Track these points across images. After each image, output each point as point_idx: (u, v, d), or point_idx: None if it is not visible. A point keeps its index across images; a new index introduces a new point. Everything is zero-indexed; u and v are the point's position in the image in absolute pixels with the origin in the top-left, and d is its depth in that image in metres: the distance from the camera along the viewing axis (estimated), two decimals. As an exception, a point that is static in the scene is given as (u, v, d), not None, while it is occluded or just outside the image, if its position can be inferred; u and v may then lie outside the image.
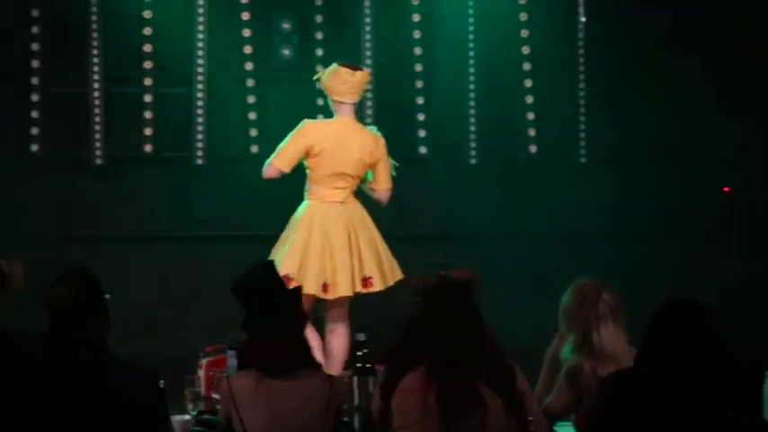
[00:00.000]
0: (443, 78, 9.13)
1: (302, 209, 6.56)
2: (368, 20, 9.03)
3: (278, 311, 4.56)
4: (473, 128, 9.12)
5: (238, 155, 8.63)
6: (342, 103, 6.59)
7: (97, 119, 8.77)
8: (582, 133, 9.21)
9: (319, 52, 8.86)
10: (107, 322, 4.09)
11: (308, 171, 6.56)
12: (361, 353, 4.99)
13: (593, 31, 9.23)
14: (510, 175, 9.09)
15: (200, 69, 8.83)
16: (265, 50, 8.96)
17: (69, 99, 8.89)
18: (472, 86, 9.12)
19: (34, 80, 8.73)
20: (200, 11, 8.84)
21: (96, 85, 8.76)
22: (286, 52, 8.97)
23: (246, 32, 8.88)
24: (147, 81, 8.79)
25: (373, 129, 6.75)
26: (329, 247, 6.44)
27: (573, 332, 4.93)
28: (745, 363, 3.92)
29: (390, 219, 8.81)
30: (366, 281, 6.50)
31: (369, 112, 8.88)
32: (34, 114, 8.72)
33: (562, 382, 4.87)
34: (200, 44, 8.84)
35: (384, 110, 8.95)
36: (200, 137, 8.84)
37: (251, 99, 8.87)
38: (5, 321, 4.73)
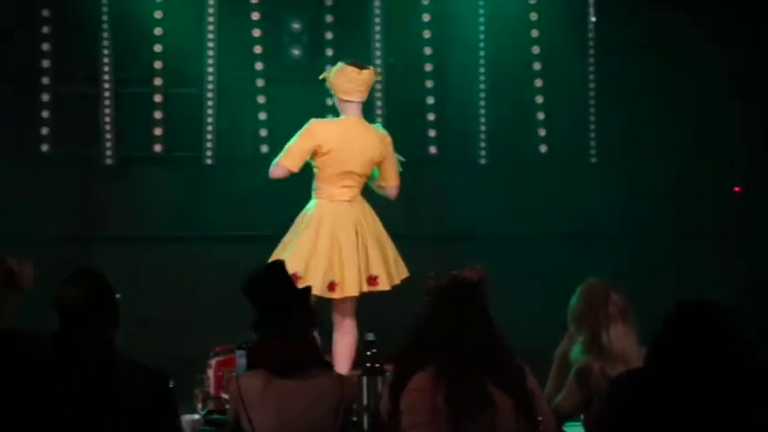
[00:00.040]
0: (454, 78, 9.13)
1: (310, 208, 6.57)
2: (378, 20, 9.02)
3: (288, 311, 4.56)
4: (483, 128, 9.11)
5: (248, 155, 8.63)
6: (349, 101, 6.59)
7: (107, 119, 8.78)
8: (592, 133, 9.19)
9: (329, 52, 8.86)
10: (116, 322, 4.09)
11: (315, 170, 6.57)
12: (370, 352, 4.99)
13: (603, 31, 9.21)
14: (520, 174, 9.08)
15: (210, 69, 8.83)
16: (275, 50, 8.96)
17: (80, 99, 8.90)
18: (482, 86, 9.11)
19: (44, 80, 8.74)
20: (211, 11, 8.84)
21: (106, 85, 8.77)
22: (296, 52, 8.97)
23: (256, 32, 8.88)
24: (158, 81, 8.80)
25: (378, 126, 6.75)
26: (337, 246, 6.45)
27: (582, 333, 4.93)
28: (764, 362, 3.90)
29: (400, 219, 8.85)
30: (372, 280, 6.50)
31: (379, 111, 8.89)
32: (44, 114, 8.73)
33: (571, 382, 4.87)
34: (211, 44, 8.84)
35: (394, 110, 8.95)
36: (209, 137, 8.84)
37: (261, 99, 8.87)
38: (16, 321, 4.75)
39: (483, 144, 9.11)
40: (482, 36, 9.08)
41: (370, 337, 5.07)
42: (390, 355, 4.43)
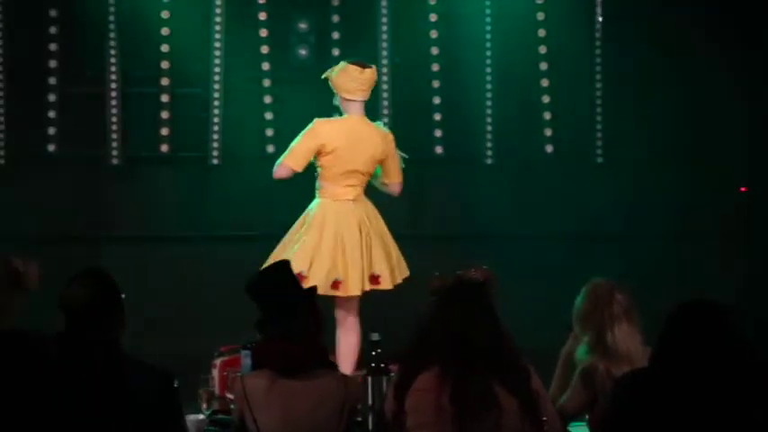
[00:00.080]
0: (460, 78, 9.12)
1: (314, 207, 6.58)
2: (384, 20, 9.02)
3: (293, 311, 4.57)
4: (489, 128, 9.10)
5: (254, 155, 8.63)
6: (352, 100, 6.61)
7: (114, 119, 8.78)
8: (599, 133, 9.19)
9: (336, 52, 8.85)
10: (122, 322, 4.10)
11: (319, 169, 6.58)
12: (374, 352, 4.99)
13: (610, 31, 9.20)
14: (526, 175, 9.08)
15: (216, 69, 8.83)
16: (282, 50, 8.96)
17: (86, 99, 8.90)
18: (489, 86, 9.10)
19: (51, 80, 8.74)
20: (218, 11, 8.84)
21: (113, 86, 8.78)
22: (303, 52, 8.97)
23: (263, 32, 8.88)
24: (164, 81, 8.80)
25: (380, 125, 6.76)
26: (341, 246, 6.46)
27: (587, 333, 4.93)
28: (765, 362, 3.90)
29: (406, 218, 8.85)
30: (375, 278, 6.51)
31: (385, 111, 8.89)
32: (51, 114, 8.74)
33: (576, 382, 4.87)
34: (217, 44, 8.84)
35: (401, 109, 8.95)
36: (216, 137, 8.85)
37: (267, 99, 8.87)
38: (21, 321, 4.76)
39: (489, 144, 9.11)
40: (489, 36, 9.08)
41: (375, 337, 5.07)
42: (395, 354, 4.43)
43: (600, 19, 9.23)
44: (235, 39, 8.87)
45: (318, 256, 6.43)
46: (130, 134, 8.84)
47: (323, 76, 6.70)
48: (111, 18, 8.73)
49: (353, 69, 6.60)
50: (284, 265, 4.87)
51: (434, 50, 9.04)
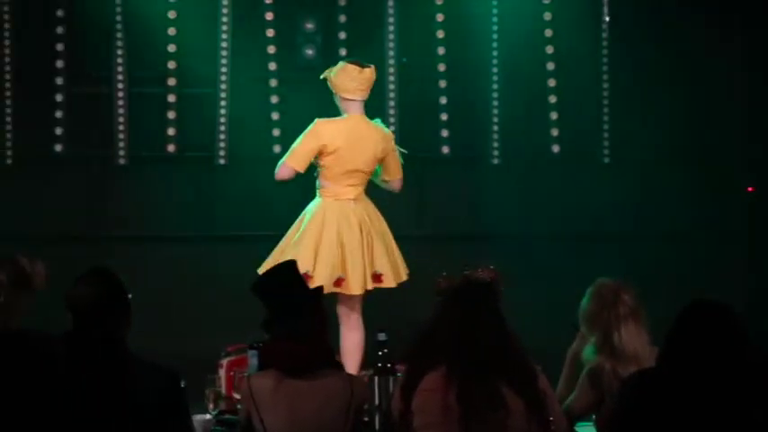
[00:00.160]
0: (467, 78, 9.12)
1: (315, 206, 6.59)
2: (391, 20, 9.02)
3: (299, 311, 4.57)
4: (496, 128, 9.10)
5: (261, 154, 8.62)
6: (351, 100, 6.61)
7: (121, 119, 8.79)
8: (605, 133, 9.18)
9: (343, 52, 8.84)
10: (128, 321, 4.10)
11: (320, 169, 6.59)
12: (381, 352, 4.99)
13: (617, 31, 9.20)
14: (533, 175, 9.07)
15: (223, 69, 8.84)
16: (289, 50, 8.96)
17: (93, 99, 8.92)
18: (495, 86, 9.09)
19: (58, 80, 8.75)
20: (224, 11, 8.85)
21: (120, 86, 8.78)
22: (309, 52, 8.97)
23: (270, 32, 8.88)
24: (171, 81, 8.80)
25: (379, 122, 6.76)
26: (341, 245, 6.47)
27: (594, 333, 4.92)
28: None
29: (413, 219, 8.86)
30: (377, 277, 6.52)
31: (392, 111, 8.89)
32: (58, 114, 8.75)
33: (583, 382, 4.87)
34: (224, 44, 8.84)
35: (407, 109, 8.95)
36: (222, 137, 8.85)
37: (274, 99, 8.88)
38: (28, 321, 4.76)
39: (496, 144, 9.11)
40: (495, 36, 9.07)
41: (382, 337, 5.08)
42: (401, 354, 4.43)
43: (607, 19, 9.22)
44: (241, 39, 8.88)
45: (321, 255, 6.44)
46: (137, 134, 8.85)
47: (321, 77, 6.71)
48: (118, 18, 8.73)
49: (352, 69, 6.60)
50: (291, 264, 4.87)
51: (441, 50, 9.03)
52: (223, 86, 8.85)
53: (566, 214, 8.90)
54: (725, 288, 7.29)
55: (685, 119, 9.12)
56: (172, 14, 8.76)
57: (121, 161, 8.82)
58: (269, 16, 8.88)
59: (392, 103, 8.89)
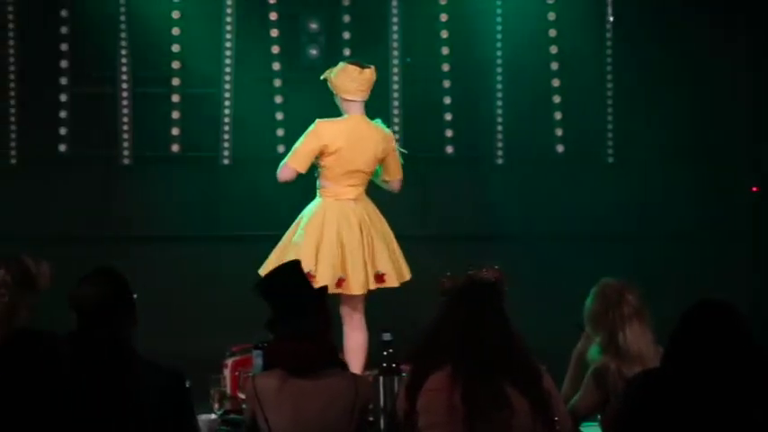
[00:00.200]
0: (471, 78, 9.12)
1: (315, 206, 6.60)
2: (395, 20, 9.02)
3: (303, 311, 4.57)
4: (500, 127, 9.10)
5: (265, 155, 8.62)
6: (352, 101, 6.62)
7: (125, 119, 8.80)
8: (609, 133, 9.17)
9: (347, 52, 8.85)
10: (134, 321, 4.10)
11: (321, 169, 6.60)
12: (386, 352, 4.99)
13: (621, 31, 9.19)
14: (537, 174, 9.07)
15: (227, 69, 8.84)
16: (293, 50, 8.96)
17: (97, 99, 8.92)
18: (499, 86, 9.09)
19: (62, 80, 8.75)
20: (228, 11, 8.85)
21: (124, 86, 8.79)
22: (313, 52, 8.97)
23: (274, 32, 8.88)
24: (175, 81, 8.81)
25: (380, 123, 6.76)
26: (342, 245, 6.47)
27: (599, 333, 4.92)
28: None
29: (417, 219, 8.86)
30: (379, 277, 6.52)
31: (396, 111, 8.89)
32: (62, 114, 8.75)
33: (588, 382, 4.87)
34: (228, 44, 8.85)
35: (411, 109, 8.95)
36: (226, 137, 8.85)
37: (278, 99, 8.88)
38: (33, 321, 4.77)
39: (500, 144, 9.10)
40: (499, 36, 9.07)
41: (387, 337, 5.08)
42: (406, 354, 4.43)
43: (611, 19, 9.22)
44: (245, 39, 8.88)
45: (321, 255, 6.44)
46: (141, 134, 8.85)
47: (322, 77, 6.71)
48: (122, 18, 8.74)
49: (353, 70, 6.61)
50: (295, 264, 4.87)
51: (445, 50, 9.03)
52: (227, 86, 8.85)
53: (570, 214, 8.89)
54: (729, 288, 7.28)
55: (690, 119, 9.11)
56: (176, 14, 8.77)
57: (125, 161, 8.82)
58: (273, 16, 8.89)
59: (396, 103, 8.89)
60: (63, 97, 8.76)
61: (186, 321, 8.34)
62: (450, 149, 9.06)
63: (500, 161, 9.12)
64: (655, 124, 9.08)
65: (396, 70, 8.94)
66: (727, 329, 3.79)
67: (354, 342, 6.57)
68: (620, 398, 4.25)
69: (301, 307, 4.56)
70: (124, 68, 8.78)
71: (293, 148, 6.61)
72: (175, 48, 8.78)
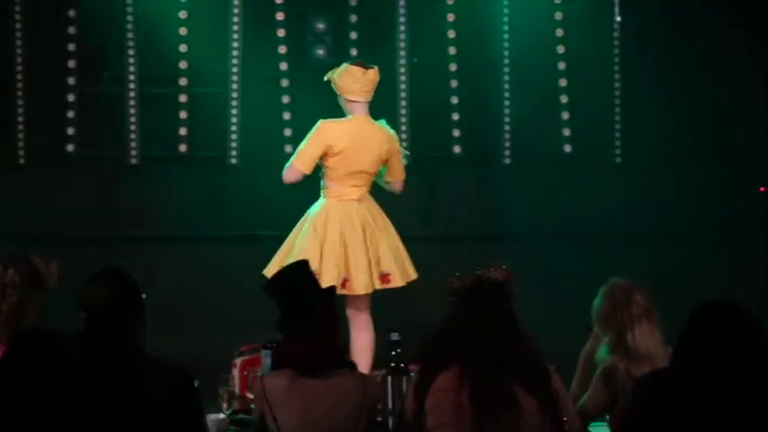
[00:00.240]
0: (478, 78, 9.12)
1: (318, 207, 6.60)
2: (402, 19, 9.02)
3: (312, 310, 4.57)
4: (507, 127, 9.09)
5: (272, 155, 8.61)
6: (355, 102, 6.62)
7: (132, 119, 8.81)
8: (617, 133, 9.17)
9: (354, 52, 8.86)
10: (142, 321, 4.10)
11: (325, 170, 6.60)
12: (394, 352, 4.99)
13: (628, 31, 9.19)
14: (544, 174, 9.06)
15: (234, 69, 8.84)
16: (300, 50, 8.96)
17: (105, 99, 8.94)
18: (507, 86, 9.09)
19: (70, 80, 8.77)
20: (235, 11, 8.85)
21: (132, 86, 8.80)
22: (320, 52, 8.97)
23: (281, 32, 8.89)
24: (182, 81, 8.82)
25: (383, 123, 6.76)
26: (345, 245, 6.47)
27: (607, 333, 4.91)
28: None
29: (423, 219, 8.85)
30: (384, 277, 6.52)
31: (403, 111, 8.89)
32: (70, 114, 8.76)
33: (597, 382, 4.86)
34: (235, 44, 8.85)
35: (418, 109, 8.95)
36: (234, 137, 8.86)
37: (285, 99, 8.88)
38: (40, 321, 4.77)
39: (507, 144, 9.10)
40: (506, 36, 9.06)
41: (395, 337, 5.08)
42: (414, 354, 4.43)
43: (618, 19, 9.21)
44: (252, 39, 8.88)
45: (325, 256, 6.45)
46: (148, 134, 8.86)
47: (325, 78, 6.71)
48: (130, 18, 8.75)
49: (356, 70, 6.61)
50: (303, 264, 4.88)
51: (452, 50, 9.03)
52: (234, 86, 8.86)
53: (577, 214, 8.88)
54: (738, 288, 7.25)
55: (698, 118, 9.10)
56: (183, 14, 8.77)
57: (133, 161, 8.83)
58: (280, 16, 8.89)
59: (403, 103, 8.89)
60: (70, 97, 8.77)
61: (193, 321, 8.34)
62: (457, 149, 9.06)
63: (507, 161, 9.12)
64: (662, 124, 9.07)
65: (403, 70, 8.94)
66: (736, 329, 3.79)
67: (361, 343, 6.57)
68: (628, 398, 4.24)
69: (310, 307, 4.57)
70: (131, 68, 8.79)
71: (298, 150, 6.61)
72: (182, 48, 8.79)
